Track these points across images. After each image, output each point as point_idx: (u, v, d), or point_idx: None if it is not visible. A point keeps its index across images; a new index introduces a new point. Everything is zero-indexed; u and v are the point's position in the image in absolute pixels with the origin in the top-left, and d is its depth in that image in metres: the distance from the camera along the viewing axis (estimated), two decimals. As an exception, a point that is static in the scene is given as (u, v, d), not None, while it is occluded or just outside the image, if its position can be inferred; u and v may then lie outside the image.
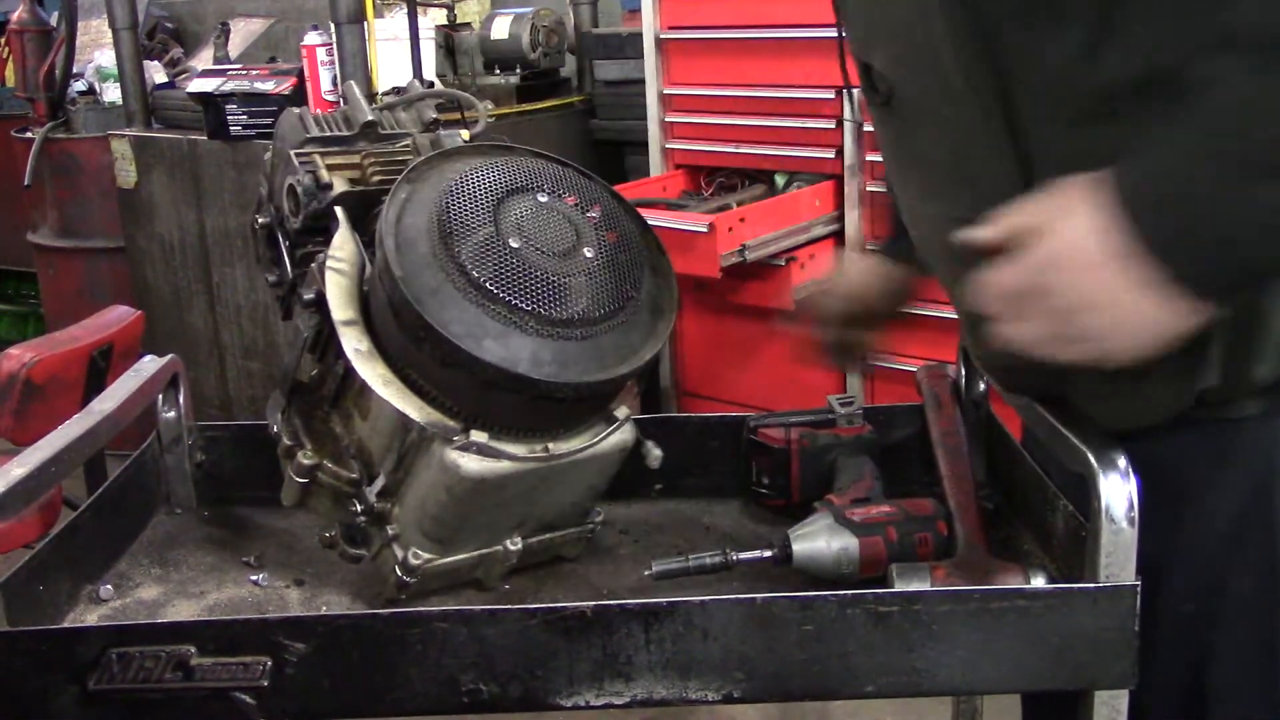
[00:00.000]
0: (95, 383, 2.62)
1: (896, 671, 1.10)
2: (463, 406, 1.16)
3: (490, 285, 1.10)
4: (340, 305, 1.19)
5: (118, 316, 2.84)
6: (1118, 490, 1.06)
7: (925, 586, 1.17)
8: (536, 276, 1.12)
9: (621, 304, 1.16)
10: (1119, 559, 1.07)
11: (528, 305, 1.11)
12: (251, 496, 1.51)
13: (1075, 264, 0.94)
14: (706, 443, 1.54)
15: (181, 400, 1.49)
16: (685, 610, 1.09)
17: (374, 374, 1.17)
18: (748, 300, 3.20)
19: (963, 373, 1.50)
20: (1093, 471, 1.07)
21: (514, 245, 1.12)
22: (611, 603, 1.11)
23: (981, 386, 1.48)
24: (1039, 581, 1.17)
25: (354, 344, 1.18)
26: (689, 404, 3.56)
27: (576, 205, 1.19)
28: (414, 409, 1.16)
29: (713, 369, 3.50)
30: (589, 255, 1.15)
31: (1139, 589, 1.07)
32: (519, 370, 1.10)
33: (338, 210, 1.24)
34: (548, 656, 1.10)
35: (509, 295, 1.11)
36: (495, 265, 1.11)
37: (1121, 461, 1.07)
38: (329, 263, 1.21)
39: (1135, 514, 1.06)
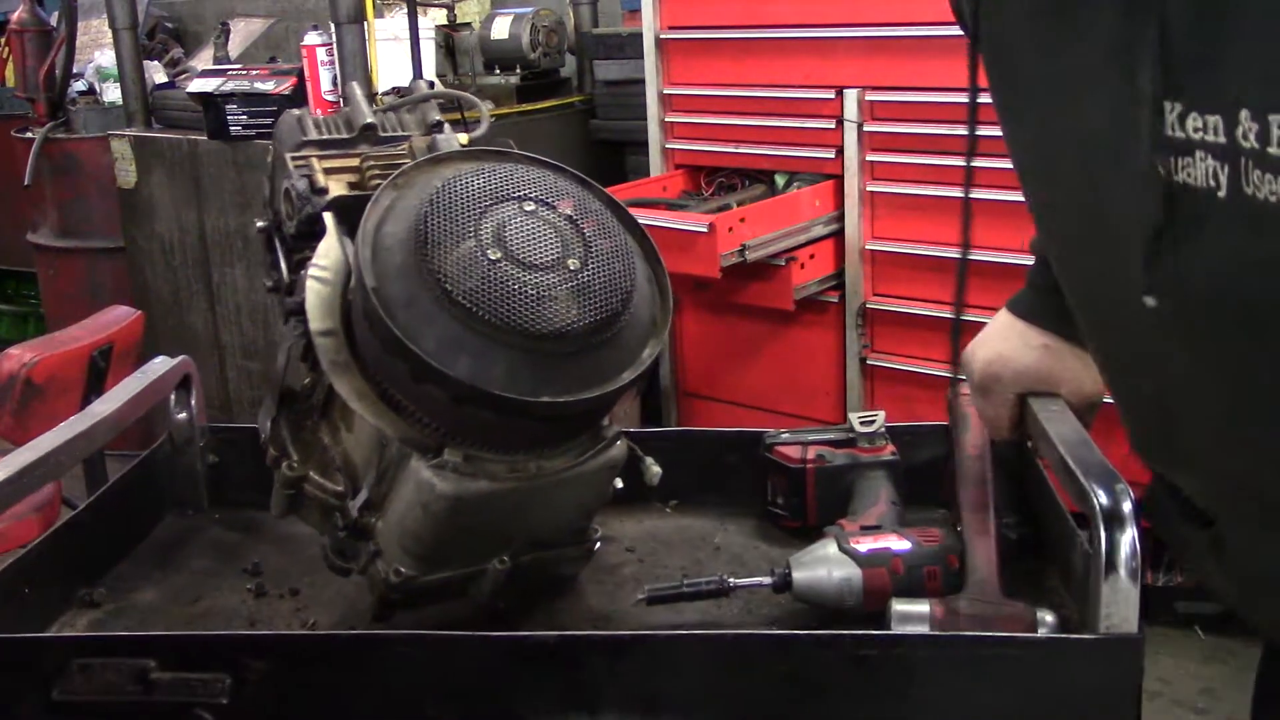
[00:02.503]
0: (95, 383, 2.63)
1: (876, 718, 1.04)
2: (439, 423, 1.11)
3: (464, 299, 1.04)
4: (319, 315, 1.14)
5: (118, 316, 2.84)
6: (1120, 535, 0.99)
7: (923, 626, 1.11)
8: (515, 290, 1.04)
9: (608, 320, 1.08)
10: (1121, 609, 1.00)
11: (505, 320, 1.04)
12: (262, 500, 1.48)
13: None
14: (723, 458, 1.47)
15: (194, 402, 1.47)
16: (652, 645, 1.05)
17: (349, 387, 1.13)
18: (748, 300, 3.19)
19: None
20: (1094, 512, 1.00)
21: (493, 257, 1.06)
22: (577, 633, 1.08)
23: None
24: (1048, 624, 1.10)
25: (330, 355, 1.14)
26: (689, 404, 3.56)
27: (568, 215, 1.12)
28: (389, 424, 1.12)
29: (713, 369, 3.49)
30: (574, 268, 1.07)
31: (1142, 641, 0.99)
32: (491, 389, 1.04)
33: (327, 216, 1.19)
34: (510, 686, 1.06)
35: (485, 310, 1.04)
36: (472, 278, 1.05)
37: (1127, 505, 0.99)
38: (311, 270, 1.16)
39: (1138, 563, 0.99)
